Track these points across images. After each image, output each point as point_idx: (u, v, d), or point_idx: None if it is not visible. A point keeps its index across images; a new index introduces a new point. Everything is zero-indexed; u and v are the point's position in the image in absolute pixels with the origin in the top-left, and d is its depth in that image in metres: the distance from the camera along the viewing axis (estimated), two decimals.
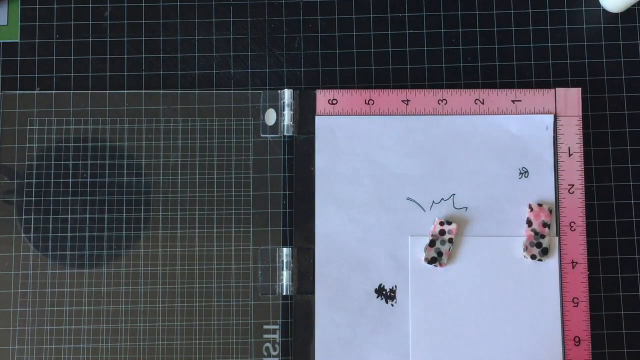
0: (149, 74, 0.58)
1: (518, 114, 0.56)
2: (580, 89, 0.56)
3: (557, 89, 0.56)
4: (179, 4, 0.59)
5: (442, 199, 0.55)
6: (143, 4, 0.59)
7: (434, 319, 0.54)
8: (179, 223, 0.55)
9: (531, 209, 0.54)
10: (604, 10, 0.58)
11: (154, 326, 0.54)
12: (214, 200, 0.56)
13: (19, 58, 0.58)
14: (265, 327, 0.54)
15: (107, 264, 0.55)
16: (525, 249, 0.54)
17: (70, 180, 0.56)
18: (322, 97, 0.56)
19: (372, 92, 0.56)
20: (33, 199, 0.56)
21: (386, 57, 0.58)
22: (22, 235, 0.55)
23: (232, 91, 0.57)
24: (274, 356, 0.54)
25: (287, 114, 0.56)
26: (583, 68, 0.57)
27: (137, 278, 0.55)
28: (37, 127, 0.57)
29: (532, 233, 0.54)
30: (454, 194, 0.55)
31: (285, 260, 0.55)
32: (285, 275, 0.54)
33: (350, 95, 0.56)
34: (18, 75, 0.58)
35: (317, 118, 0.56)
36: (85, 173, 0.56)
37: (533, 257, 0.54)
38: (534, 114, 0.56)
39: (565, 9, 0.58)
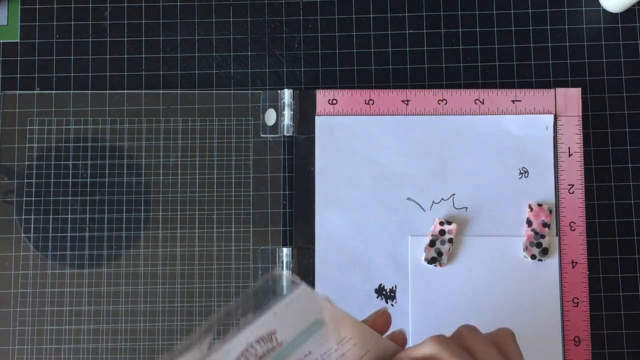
0: (149, 74, 0.58)
1: (518, 114, 0.56)
2: (580, 89, 0.56)
3: (557, 89, 0.56)
4: (179, 4, 0.59)
5: (442, 199, 0.55)
6: (143, 4, 0.59)
7: (434, 319, 0.54)
8: (179, 223, 0.55)
9: (531, 209, 0.54)
10: (604, 10, 0.58)
11: (154, 326, 0.54)
12: (214, 200, 0.56)
13: (19, 58, 0.58)
14: None
15: (107, 264, 0.55)
16: (525, 249, 0.54)
17: (70, 180, 0.56)
18: (322, 97, 0.56)
19: (372, 92, 0.56)
20: (33, 199, 0.56)
21: (386, 57, 0.58)
22: (22, 235, 0.55)
23: (232, 91, 0.57)
24: None
25: (287, 114, 0.56)
26: (583, 68, 0.57)
27: (137, 278, 0.55)
28: (37, 127, 0.57)
29: (532, 233, 0.54)
30: (454, 194, 0.55)
31: (285, 260, 0.55)
32: (285, 276, 0.54)
33: (350, 95, 0.56)
34: (18, 75, 0.58)
35: (317, 118, 0.56)
36: (85, 173, 0.56)
37: (533, 257, 0.54)
38: (534, 114, 0.56)
39: (565, 9, 0.58)
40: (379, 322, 0.39)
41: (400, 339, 0.39)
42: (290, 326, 0.34)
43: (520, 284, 0.54)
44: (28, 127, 0.57)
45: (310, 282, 0.54)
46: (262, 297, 0.36)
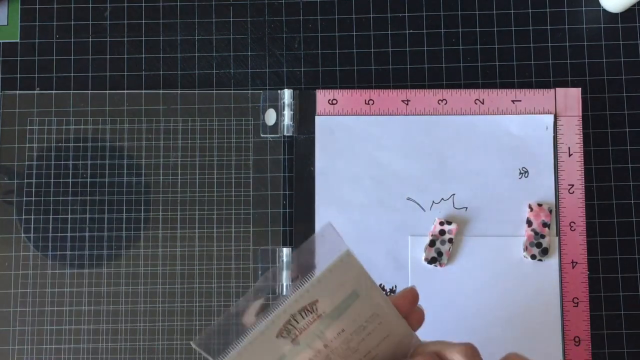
0: (149, 74, 0.58)
1: (518, 114, 0.56)
2: (580, 89, 0.56)
3: (557, 89, 0.56)
4: (179, 4, 0.59)
5: (442, 199, 0.55)
6: (143, 4, 0.59)
7: (434, 319, 0.53)
8: (179, 223, 0.55)
9: (531, 209, 0.54)
10: (604, 10, 0.58)
11: (154, 326, 0.54)
12: (214, 200, 0.56)
13: (19, 58, 0.58)
14: None
15: (107, 264, 0.55)
16: (525, 249, 0.54)
17: (70, 180, 0.56)
18: (322, 97, 0.56)
19: (372, 92, 0.56)
20: (33, 199, 0.56)
21: (386, 57, 0.58)
22: (22, 235, 0.55)
23: (232, 91, 0.57)
24: None
25: (287, 114, 0.56)
26: (583, 68, 0.57)
27: (137, 278, 0.55)
28: (37, 127, 0.57)
29: (532, 233, 0.54)
30: (454, 194, 0.55)
31: (285, 260, 0.55)
32: (285, 275, 0.54)
33: (350, 95, 0.56)
34: (18, 75, 0.58)
35: (317, 118, 0.56)
36: (85, 173, 0.56)
37: (533, 257, 0.54)
38: (534, 114, 0.56)
39: (565, 9, 0.58)
40: (406, 299, 0.38)
41: (417, 317, 0.39)
42: (330, 295, 0.35)
43: (520, 284, 0.54)
44: (28, 127, 0.57)
45: None
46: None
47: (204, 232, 0.55)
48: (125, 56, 0.58)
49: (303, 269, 0.36)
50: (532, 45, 0.58)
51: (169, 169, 0.56)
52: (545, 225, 0.54)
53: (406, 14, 0.58)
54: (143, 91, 0.57)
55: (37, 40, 0.58)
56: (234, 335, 0.35)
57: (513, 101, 0.56)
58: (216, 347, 0.35)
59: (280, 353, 0.34)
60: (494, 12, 0.58)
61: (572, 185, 0.55)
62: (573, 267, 0.54)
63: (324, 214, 0.55)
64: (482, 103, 0.56)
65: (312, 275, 0.35)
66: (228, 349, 0.34)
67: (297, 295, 0.35)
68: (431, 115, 0.56)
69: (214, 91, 0.57)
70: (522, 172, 0.55)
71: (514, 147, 0.55)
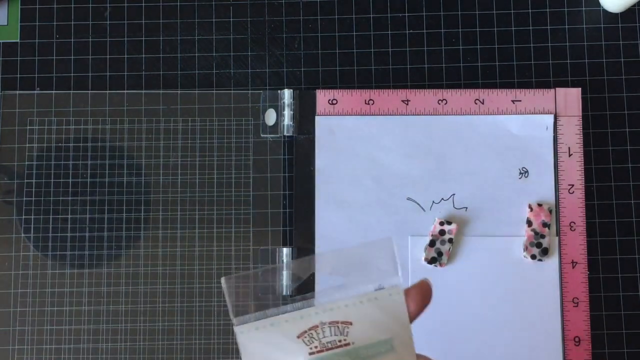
0: (149, 74, 0.58)
1: (518, 114, 0.56)
2: (580, 89, 0.56)
3: (557, 89, 0.56)
4: (179, 4, 0.59)
5: (442, 199, 0.55)
6: (143, 4, 0.59)
7: (434, 318, 0.54)
8: (179, 223, 0.55)
9: (531, 209, 0.54)
10: (604, 10, 0.58)
11: (154, 326, 0.54)
12: (214, 200, 0.56)
13: (19, 58, 0.58)
14: None
15: (107, 264, 0.55)
16: (525, 249, 0.54)
17: (70, 180, 0.56)
18: (322, 97, 0.56)
19: (372, 92, 0.56)
20: (33, 199, 0.56)
21: (386, 57, 0.58)
22: (22, 235, 0.55)
23: (232, 91, 0.57)
24: None
25: (287, 114, 0.56)
26: (583, 68, 0.57)
27: (137, 278, 0.55)
28: (37, 127, 0.57)
29: (532, 233, 0.54)
30: (454, 194, 0.55)
31: (285, 260, 0.55)
32: (285, 275, 0.54)
33: (350, 95, 0.56)
34: (18, 75, 0.58)
35: (317, 118, 0.56)
36: (85, 173, 0.56)
37: (533, 257, 0.54)
38: (534, 114, 0.56)
39: (565, 9, 0.58)
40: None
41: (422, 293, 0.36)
42: (365, 327, 0.31)
43: (520, 284, 0.54)
44: (28, 127, 0.57)
45: (310, 281, 0.54)
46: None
47: (204, 232, 0.55)
48: (125, 56, 0.58)
49: (341, 270, 0.32)
50: (532, 45, 0.58)
51: (169, 169, 0.56)
52: (545, 225, 0.54)
53: (406, 14, 0.58)
54: (143, 91, 0.57)
55: (37, 40, 0.58)
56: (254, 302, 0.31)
57: (513, 101, 0.56)
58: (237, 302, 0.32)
59: (296, 356, 0.30)
60: (494, 12, 0.58)
61: (572, 185, 0.55)
62: (573, 267, 0.54)
63: (324, 214, 0.55)
64: (482, 103, 0.56)
65: (352, 289, 0.31)
66: (246, 317, 0.31)
67: (334, 304, 0.31)
68: (431, 115, 0.56)
69: (214, 91, 0.57)
70: (522, 172, 0.55)
71: (514, 147, 0.55)
